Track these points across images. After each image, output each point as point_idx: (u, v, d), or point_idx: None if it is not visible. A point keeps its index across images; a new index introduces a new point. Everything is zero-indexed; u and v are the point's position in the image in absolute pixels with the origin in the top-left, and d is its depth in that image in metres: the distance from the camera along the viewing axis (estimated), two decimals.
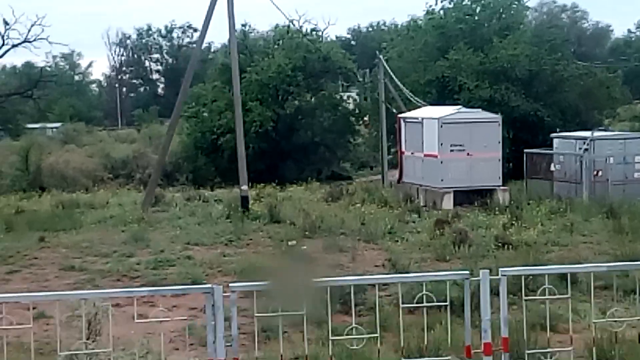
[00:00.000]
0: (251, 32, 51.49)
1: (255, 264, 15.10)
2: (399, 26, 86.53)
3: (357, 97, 48.03)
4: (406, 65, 40.26)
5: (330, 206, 22.69)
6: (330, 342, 6.74)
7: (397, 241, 17.93)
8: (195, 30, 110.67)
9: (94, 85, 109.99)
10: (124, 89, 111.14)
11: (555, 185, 24.10)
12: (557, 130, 27.58)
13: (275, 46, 46.91)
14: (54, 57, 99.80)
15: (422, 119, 23.48)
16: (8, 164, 43.48)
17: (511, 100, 36.11)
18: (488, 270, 6.24)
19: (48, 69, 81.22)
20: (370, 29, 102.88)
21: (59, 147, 53.35)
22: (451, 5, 40.41)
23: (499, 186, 22.73)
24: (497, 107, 32.63)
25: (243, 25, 47.80)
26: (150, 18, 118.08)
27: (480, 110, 25.44)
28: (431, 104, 30.48)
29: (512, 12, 41.68)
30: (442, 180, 22.22)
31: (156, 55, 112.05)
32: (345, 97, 45.33)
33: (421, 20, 42.23)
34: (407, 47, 41.31)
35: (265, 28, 76.29)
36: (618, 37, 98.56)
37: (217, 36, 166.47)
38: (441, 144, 22.16)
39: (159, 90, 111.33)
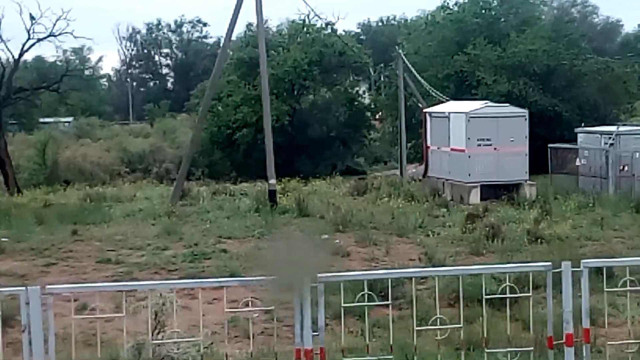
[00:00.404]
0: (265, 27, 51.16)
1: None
2: (409, 20, 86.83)
3: (366, 91, 48.05)
4: (423, 60, 40.29)
5: (356, 200, 22.74)
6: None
7: (429, 235, 17.98)
8: (205, 24, 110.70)
9: (103, 79, 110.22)
10: (134, 84, 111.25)
11: (580, 180, 24.13)
12: (582, 125, 27.58)
13: (291, 40, 46.87)
14: (64, 51, 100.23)
15: (449, 113, 23.51)
16: (25, 157, 43.59)
17: (529, 95, 36.14)
18: (569, 262, 6.29)
19: (59, 63, 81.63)
20: (380, 24, 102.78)
21: (73, 141, 53.56)
22: (467, 0, 40.45)
23: (525, 181, 22.78)
24: (514, 102, 32.57)
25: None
26: (160, 12, 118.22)
27: (507, 104, 25.47)
28: (454, 99, 30.49)
29: (528, 6, 41.67)
30: (469, 174, 22.27)
31: (166, 50, 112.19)
32: (361, 92, 45.28)
33: (438, 15, 42.19)
34: (424, 42, 41.35)
35: (276, 22, 76.44)
36: (628, 32, 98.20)
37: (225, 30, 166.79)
38: (468, 139, 22.21)
39: (169, 84, 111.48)
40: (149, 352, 8.16)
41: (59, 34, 32.10)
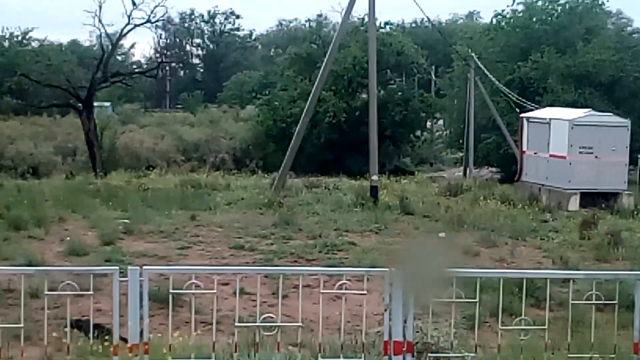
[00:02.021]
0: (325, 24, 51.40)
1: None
2: (444, 23, 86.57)
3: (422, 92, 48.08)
4: (484, 64, 40.44)
5: (451, 200, 22.91)
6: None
7: (543, 239, 18.16)
8: (238, 17, 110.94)
9: (134, 67, 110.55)
10: (166, 71, 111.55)
11: None
12: None
13: (348, 38, 47.01)
14: (98, 37, 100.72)
15: (550, 119, 23.66)
16: (80, 140, 43.92)
17: (594, 104, 36.18)
18: None
19: (94, 48, 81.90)
20: (414, 25, 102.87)
21: (119, 127, 53.90)
22: (538, 3, 40.56)
23: (624, 190, 22.96)
24: None
25: (318, 15, 47.88)
26: (193, 2, 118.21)
27: (610, 114, 25.65)
28: (516, 105, 30.64)
29: (592, 15, 41.80)
30: (569, 181, 22.44)
31: (197, 40, 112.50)
32: (417, 93, 45.42)
33: (502, 18, 42.28)
34: (485, 47, 41.49)
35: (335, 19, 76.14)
36: None
37: (259, 25, 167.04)
38: (571, 146, 22.37)
39: (198, 75, 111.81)
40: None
41: (156, 21, 32.32)
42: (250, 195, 22.37)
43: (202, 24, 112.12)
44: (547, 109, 27.67)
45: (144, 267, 6.59)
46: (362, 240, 17.26)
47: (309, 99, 23.79)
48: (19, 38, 59.08)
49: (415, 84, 45.36)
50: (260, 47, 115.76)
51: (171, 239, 16.71)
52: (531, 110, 28.73)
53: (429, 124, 47.19)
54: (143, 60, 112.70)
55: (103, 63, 31.11)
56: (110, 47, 31.40)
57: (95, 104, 68.84)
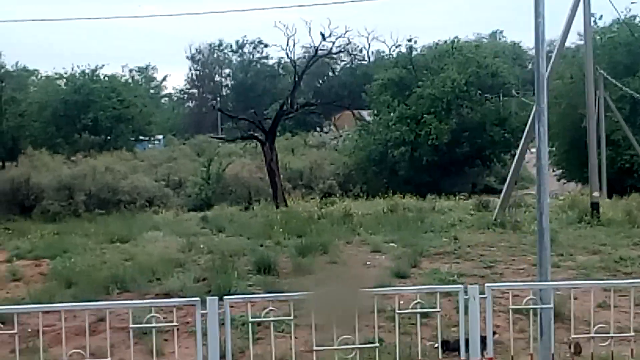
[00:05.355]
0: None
1: None
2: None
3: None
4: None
5: None
6: None
7: None
8: (266, 45, 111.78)
9: (165, 99, 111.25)
10: (195, 103, 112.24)
11: None
12: None
13: (438, 60, 47.81)
14: (130, 70, 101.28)
15: None
16: (186, 172, 44.42)
17: None
18: None
19: (130, 80, 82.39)
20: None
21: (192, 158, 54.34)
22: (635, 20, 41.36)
23: None
24: None
25: (408, 40, 48.62)
26: (222, 33, 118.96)
27: None
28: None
29: None
30: None
31: (227, 70, 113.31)
32: (512, 112, 46.12)
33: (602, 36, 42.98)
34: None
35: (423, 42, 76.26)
36: None
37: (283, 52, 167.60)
38: None
39: (229, 105, 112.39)
40: None
41: (337, 52, 32.70)
42: (465, 217, 22.79)
43: (230, 53, 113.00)
44: None
45: (486, 285, 6.95)
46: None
47: None
48: (90, 73, 59.63)
49: (511, 104, 46.02)
50: (284, 74, 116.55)
51: (464, 259, 17.09)
52: None
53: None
54: (174, 92, 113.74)
55: (290, 92, 31.64)
56: (296, 78, 31.91)
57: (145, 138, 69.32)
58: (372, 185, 45.66)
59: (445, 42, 49.05)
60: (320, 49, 33.00)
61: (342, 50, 34.22)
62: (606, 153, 38.75)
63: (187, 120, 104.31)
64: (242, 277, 15.09)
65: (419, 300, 6.82)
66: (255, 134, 31.49)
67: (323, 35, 31.97)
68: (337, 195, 40.85)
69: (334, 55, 34.72)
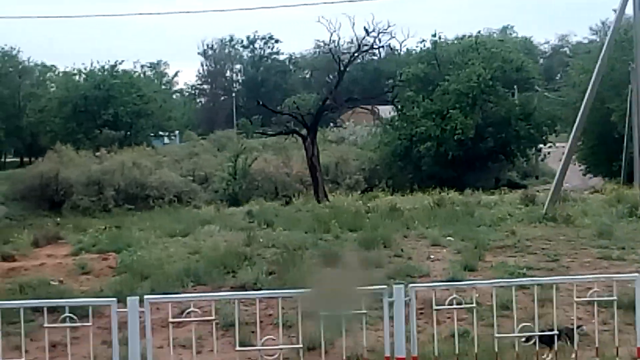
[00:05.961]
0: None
1: None
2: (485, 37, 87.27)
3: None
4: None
5: None
6: None
7: None
8: (277, 41, 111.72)
9: (177, 94, 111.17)
10: (206, 99, 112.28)
11: None
12: None
13: (462, 56, 47.80)
14: (142, 66, 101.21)
15: None
16: (212, 168, 44.48)
17: None
18: None
19: (142, 76, 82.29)
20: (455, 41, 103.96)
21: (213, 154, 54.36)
22: None
23: None
24: None
25: (433, 35, 48.60)
26: (233, 28, 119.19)
27: None
28: None
29: None
30: None
31: (237, 66, 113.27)
32: (537, 107, 46.16)
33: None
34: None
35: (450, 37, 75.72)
36: None
37: (298, 46, 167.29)
38: None
39: (240, 100, 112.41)
40: None
41: (379, 47, 32.89)
42: (513, 211, 22.83)
43: (241, 49, 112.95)
44: None
45: None
46: None
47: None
48: (109, 69, 59.65)
49: (534, 99, 46.06)
50: (295, 70, 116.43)
51: (527, 252, 17.09)
52: None
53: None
54: (185, 87, 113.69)
55: (334, 88, 31.68)
56: (338, 74, 31.97)
57: (163, 133, 69.22)
58: (397, 180, 45.75)
59: (469, 36, 49.05)
60: (364, 44, 33.03)
61: (383, 46, 34.26)
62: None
63: (200, 116, 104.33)
64: (312, 270, 15.12)
65: (596, 289, 6.82)
66: (296, 129, 31.54)
67: (367, 30, 32.14)
68: (373, 190, 40.87)
69: (375, 50, 34.84)
